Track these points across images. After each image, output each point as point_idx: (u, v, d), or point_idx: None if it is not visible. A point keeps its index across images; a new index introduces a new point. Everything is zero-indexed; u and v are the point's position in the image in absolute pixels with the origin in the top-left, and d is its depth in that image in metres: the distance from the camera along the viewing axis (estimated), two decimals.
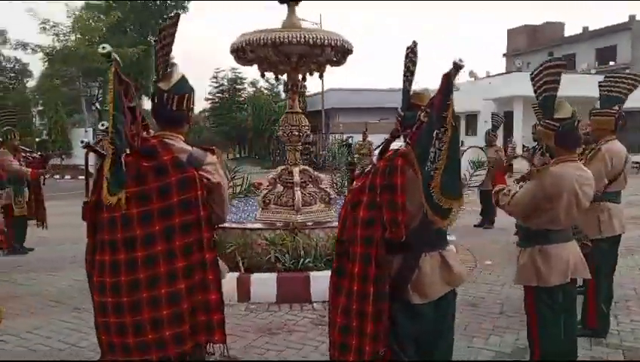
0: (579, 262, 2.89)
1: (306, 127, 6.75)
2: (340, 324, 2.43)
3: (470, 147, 8.68)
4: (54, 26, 22.19)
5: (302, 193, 6.24)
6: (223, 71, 43.45)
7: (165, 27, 2.33)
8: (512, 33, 41.72)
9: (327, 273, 4.41)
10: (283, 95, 36.26)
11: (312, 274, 4.82)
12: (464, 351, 3.65)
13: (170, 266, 2.14)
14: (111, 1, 27.83)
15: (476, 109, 23.65)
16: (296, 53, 6.21)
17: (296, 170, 6.54)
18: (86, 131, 22.63)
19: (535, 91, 2.93)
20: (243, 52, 6.41)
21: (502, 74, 23.22)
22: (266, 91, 38.23)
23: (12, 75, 34.88)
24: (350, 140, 22.10)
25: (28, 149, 8.02)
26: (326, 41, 6.04)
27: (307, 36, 5.89)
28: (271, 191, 6.70)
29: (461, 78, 25.15)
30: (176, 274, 2.14)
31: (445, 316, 2.50)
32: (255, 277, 4.84)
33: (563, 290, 2.87)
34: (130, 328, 2.11)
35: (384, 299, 2.41)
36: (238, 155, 40.72)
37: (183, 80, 2.36)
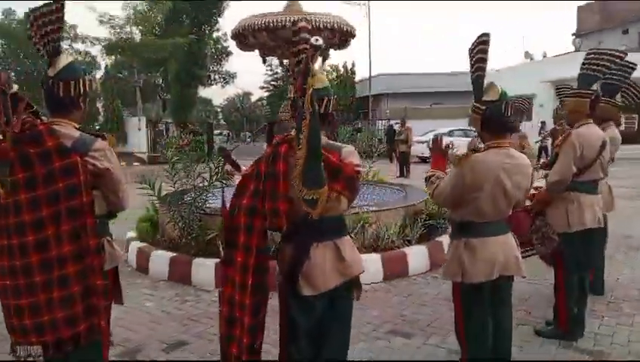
0: (511, 258, 2.62)
1: None
2: (226, 315, 2.38)
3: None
4: (111, 19, 23.28)
5: None
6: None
7: (44, 14, 2.29)
8: (582, 10, 38.90)
9: None
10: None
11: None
12: (412, 350, 3.48)
13: (60, 250, 2.18)
14: None
15: (531, 92, 22.32)
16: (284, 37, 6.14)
17: None
18: (139, 120, 23.72)
19: (470, 71, 2.69)
20: (244, 37, 6.42)
21: (560, 55, 21.70)
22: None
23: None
24: (394, 126, 21.66)
25: None
26: (321, 24, 5.93)
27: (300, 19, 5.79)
28: None
29: (516, 59, 23.84)
30: (65, 258, 2.18)
31: (339, 312, 2.38)
32: None
33: (493, 286, 2.64)
34: (26, 310, 2.16)
35: (262, 291, 2.33)
36: None
37: (70, 65, 2.35)
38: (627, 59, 3.82)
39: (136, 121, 23.78)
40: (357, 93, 32.67)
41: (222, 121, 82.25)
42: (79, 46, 27.67)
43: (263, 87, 46.38)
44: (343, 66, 31.66)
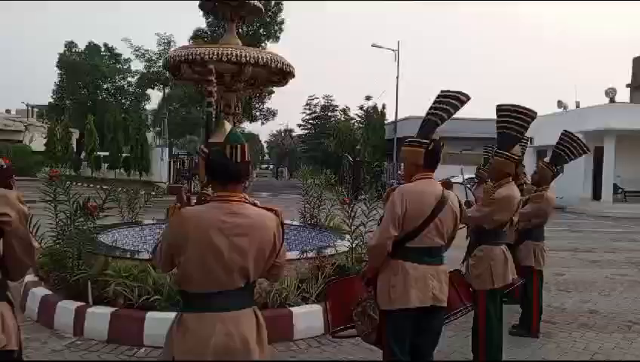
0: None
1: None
2: None
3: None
4: (145, 53, 24.32)
5: None
6: (317, 98, 44.49)
7: None
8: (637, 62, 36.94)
9: (169, 315, 3.90)
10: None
11: (149, 314, 4.27)
12: None
13: None
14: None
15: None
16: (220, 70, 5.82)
17: None
18: (162, 151, 24.27)
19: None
20: (177, 69, 6.16)
21: (594, 107, 20.39)
22: (357, 117, 38.00)
23: (132, 99, 39.06)
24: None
25: None
26: (244, 59, 5.57)
27: (221, 53, 5.48)
28: None
29: (550, 109, 22.69)
30: None
31: None
32: (91, 310, 4.42)
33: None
34: None
35: None
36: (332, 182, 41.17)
37: None
38: None
39: (158, 151, 24.35)
40: (387, 135, 32.19)
41: (267, 156, 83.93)
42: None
43: (300, 125, 46.80)
44: (373, 108, 31.38)
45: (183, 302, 2.10)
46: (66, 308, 4.48)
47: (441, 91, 3.11)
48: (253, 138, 77.66)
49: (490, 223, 3.71)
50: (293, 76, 6.31)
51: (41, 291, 4.89)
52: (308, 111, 45.06)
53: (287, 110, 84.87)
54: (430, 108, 3.06)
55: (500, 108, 3.80)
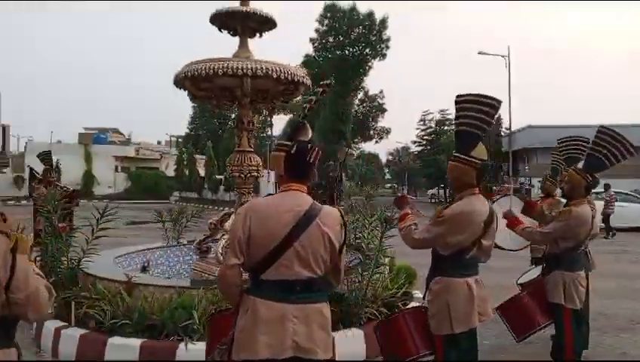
0: None
1: (256, 168, 6.02)
2: None
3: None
4: None
5: None
6: (431, 113, 43.07)
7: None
8: None
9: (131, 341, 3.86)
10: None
11: (111, 339, 4.10)
12: None
13: None
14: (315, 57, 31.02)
15: None
16: (221, 85, 5.66)
17: None
18: (269, 173, 25.08)
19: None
20: (182, 86, 6.06)
21: None
22: None
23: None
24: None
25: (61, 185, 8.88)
26: (241, 71, 5.31)
27: (217, 67, 5.27)
28: (210, 237, 6.15)
29: None
30: None
31: None
32: (64, 331, 4.38)
33: None
34: None
35: None
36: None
37: None
38: None
39: (265, 174, 25.22)
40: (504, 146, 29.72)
41: (387, 176, 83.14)
42: None
43: (415, 142, 45.48)
44: None
45: None
46: (48, 329, 4.53)
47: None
48: (375, 158, 77.75)
49: (444, 247, 2.88)
50: (308, 86, 5.88)
51: None
52: (422, 127, 43.72)
53: (401, 127, 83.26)
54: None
55: (458, 100, 2.97)
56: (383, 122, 46.12)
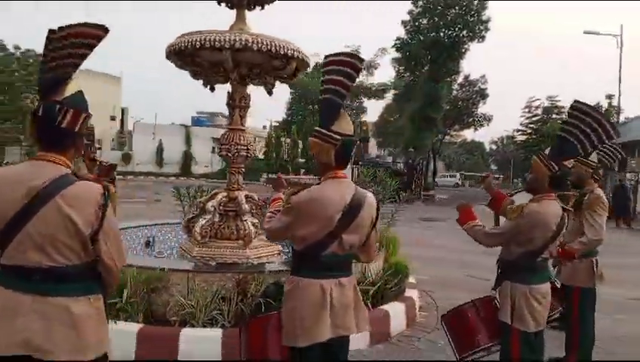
0: None
1: (245, 146, 5.69)
2: None
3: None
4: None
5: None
6: (538, 100, 39.57)
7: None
8: None
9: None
10: None
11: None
12: None
13: None
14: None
15: None
16: (210, 60, 5.41)
17: (241, 195, 5.66)
18: None
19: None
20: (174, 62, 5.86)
21: None
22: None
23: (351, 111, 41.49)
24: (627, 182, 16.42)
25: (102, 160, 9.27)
26: (219, 43, 5.02)
27: (199, 40, 5.02)
28: (198, 216, 5.97)
29: None
30: None
31: None
32: None
33: None
34: None
35: None
36: None
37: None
38: None
39: None
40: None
41: (491, 166, 78.50)
42: None
43: (518, 130, 42.09)
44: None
45: None
46: None
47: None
48: (478, 147, 73.64)
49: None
50: (303, 61, 5.44)
51: None
52: (528, 115, 40.27)
53: (504, 115, 77.72)
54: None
55: (324, 62, 2.38)
56: (484, 108, 43.17)
